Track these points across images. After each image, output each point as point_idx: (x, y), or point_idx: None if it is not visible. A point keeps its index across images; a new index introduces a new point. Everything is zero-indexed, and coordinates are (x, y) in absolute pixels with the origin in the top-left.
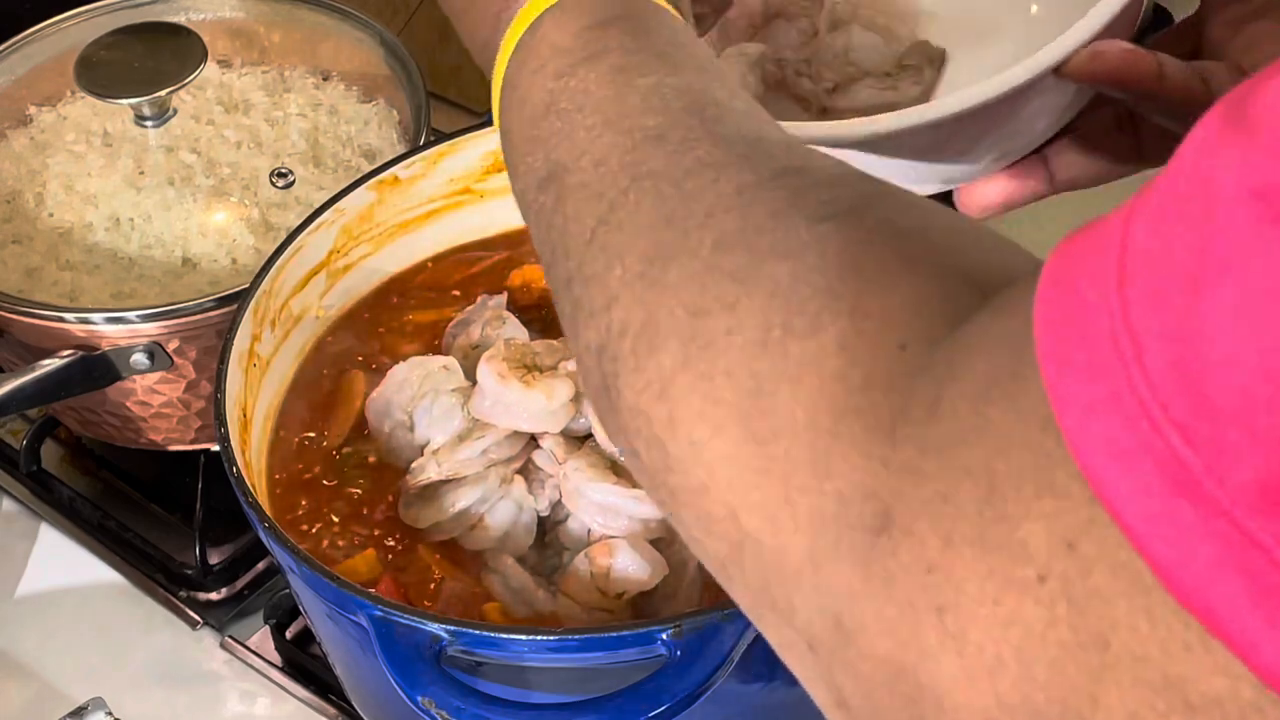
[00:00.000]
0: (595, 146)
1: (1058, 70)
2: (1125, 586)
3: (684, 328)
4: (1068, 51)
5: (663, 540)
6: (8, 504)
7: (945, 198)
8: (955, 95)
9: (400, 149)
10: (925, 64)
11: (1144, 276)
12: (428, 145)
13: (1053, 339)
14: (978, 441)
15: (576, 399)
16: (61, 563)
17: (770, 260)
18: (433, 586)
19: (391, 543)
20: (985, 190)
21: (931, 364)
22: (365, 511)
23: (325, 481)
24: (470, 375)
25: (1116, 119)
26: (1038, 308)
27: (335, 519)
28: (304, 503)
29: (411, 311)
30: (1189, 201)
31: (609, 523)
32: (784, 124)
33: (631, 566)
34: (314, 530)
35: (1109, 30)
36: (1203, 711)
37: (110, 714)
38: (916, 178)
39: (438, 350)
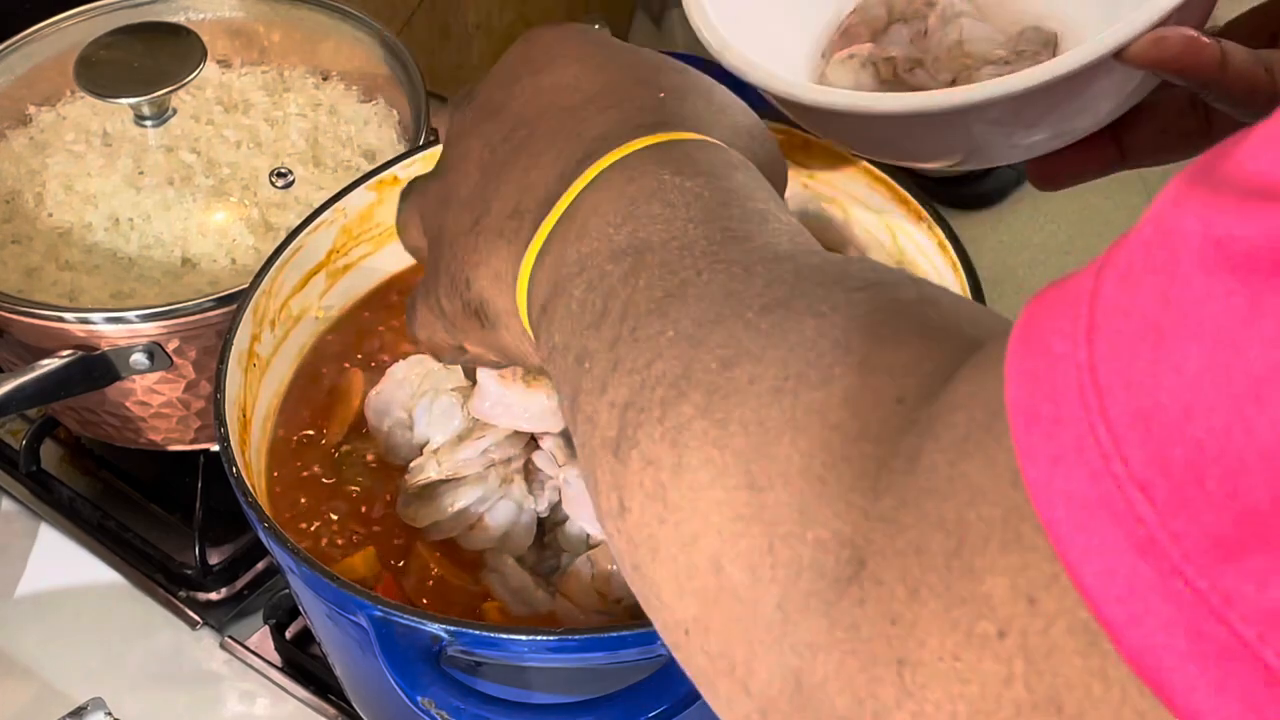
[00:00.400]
0: (686, 234)
1: (1119, 55)
2: (1082, 645)
3: (713, 379)
4: (1130, 36)
5: None
6: (8, 504)
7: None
8: (1019, 74)
9: (400, 149)
10: (1040, 47)
11: (1112, 326)
12: (428, 145)
13: (1022, 392)
14: (951, 494)
15: None
16: (61, 563)
17: (804, 318)
18: (432, 585)
19: (391, 542)
20: (1055, 164)
21: (918, 418)
22: (364, 510)
23: (324, 480)
24: (470, 374)
25: (1189, 99)
26: (1009, 361)
27: (334, 517)
28: (303, 501)
29: None
30: (1156, 249)
31: None
32: (860, 92)
33: None
34: (313, 528)
35: (1180, 16)
36: None
37: (110, 714)
38: (990, 151)
39: None
